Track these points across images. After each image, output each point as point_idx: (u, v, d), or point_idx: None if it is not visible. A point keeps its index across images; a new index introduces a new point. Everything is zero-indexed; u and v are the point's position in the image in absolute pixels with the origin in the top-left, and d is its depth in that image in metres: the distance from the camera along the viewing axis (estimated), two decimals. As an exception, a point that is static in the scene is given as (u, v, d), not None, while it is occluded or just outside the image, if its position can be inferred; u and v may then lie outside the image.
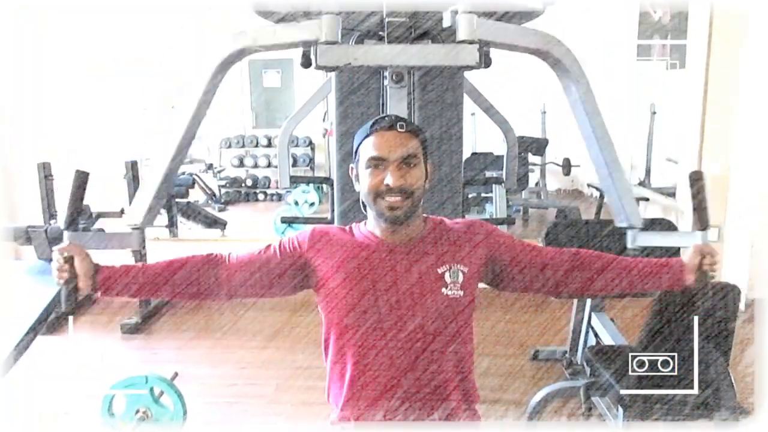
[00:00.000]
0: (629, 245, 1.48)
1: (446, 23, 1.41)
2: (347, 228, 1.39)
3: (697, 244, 1.35)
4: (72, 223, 1.33)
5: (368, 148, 1.28)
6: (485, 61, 1.35)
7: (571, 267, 1.36)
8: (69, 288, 1.29)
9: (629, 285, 1.35)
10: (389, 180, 1.25)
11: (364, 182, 1.29)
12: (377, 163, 1.27)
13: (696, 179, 1.40)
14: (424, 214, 1.38)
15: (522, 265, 1.36)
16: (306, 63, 1.38)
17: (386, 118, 1.30)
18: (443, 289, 1.29)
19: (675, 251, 1.53)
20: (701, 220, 1.39)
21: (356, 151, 1.32)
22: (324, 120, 6.77)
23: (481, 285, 1.43)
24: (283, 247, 1.36)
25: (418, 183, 1.28)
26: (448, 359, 1.31)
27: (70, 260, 1.28)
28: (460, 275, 1.31)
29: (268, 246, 1.37)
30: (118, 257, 1.47)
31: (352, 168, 1.35)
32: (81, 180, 1.32)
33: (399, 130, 1.27)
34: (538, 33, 1.39)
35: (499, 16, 1.72)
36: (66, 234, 1.33)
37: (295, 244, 1.36)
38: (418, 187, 1.28)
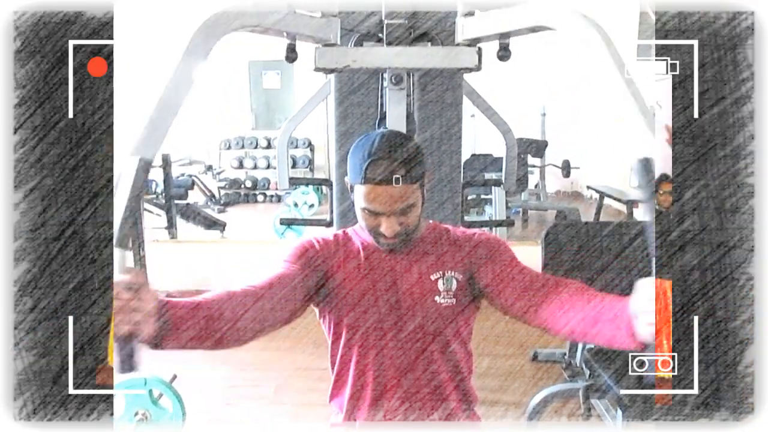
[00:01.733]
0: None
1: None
2: (341, 232, 1.37)
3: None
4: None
5: (362, 197, 1.21)
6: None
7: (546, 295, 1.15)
8: (126, 343, 0.79)
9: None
10: (385, 230, 1.22)
11: (360, 219, 1.27)
12: (372, 213, 1.22)
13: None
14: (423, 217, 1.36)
15: (505, 284, 1.24)
16: (291, 57, 1.34)
17: (380, 165, 1.17)
18: (436, 297, 1.28)
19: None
20: None
21: (351, 186, 1.25)
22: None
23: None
24: (284, 274, 1.22)
25: (415, 220, 1.25)
26: (444, 362, 1.31)
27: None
28: (454, 283, 1.29)
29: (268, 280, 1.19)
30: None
31: (346, 180, 1.29)
32: None
33: (395, 185, 1.17)
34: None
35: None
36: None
37: (295, 262, 1.26)
38: (415, 223, 1.26)
